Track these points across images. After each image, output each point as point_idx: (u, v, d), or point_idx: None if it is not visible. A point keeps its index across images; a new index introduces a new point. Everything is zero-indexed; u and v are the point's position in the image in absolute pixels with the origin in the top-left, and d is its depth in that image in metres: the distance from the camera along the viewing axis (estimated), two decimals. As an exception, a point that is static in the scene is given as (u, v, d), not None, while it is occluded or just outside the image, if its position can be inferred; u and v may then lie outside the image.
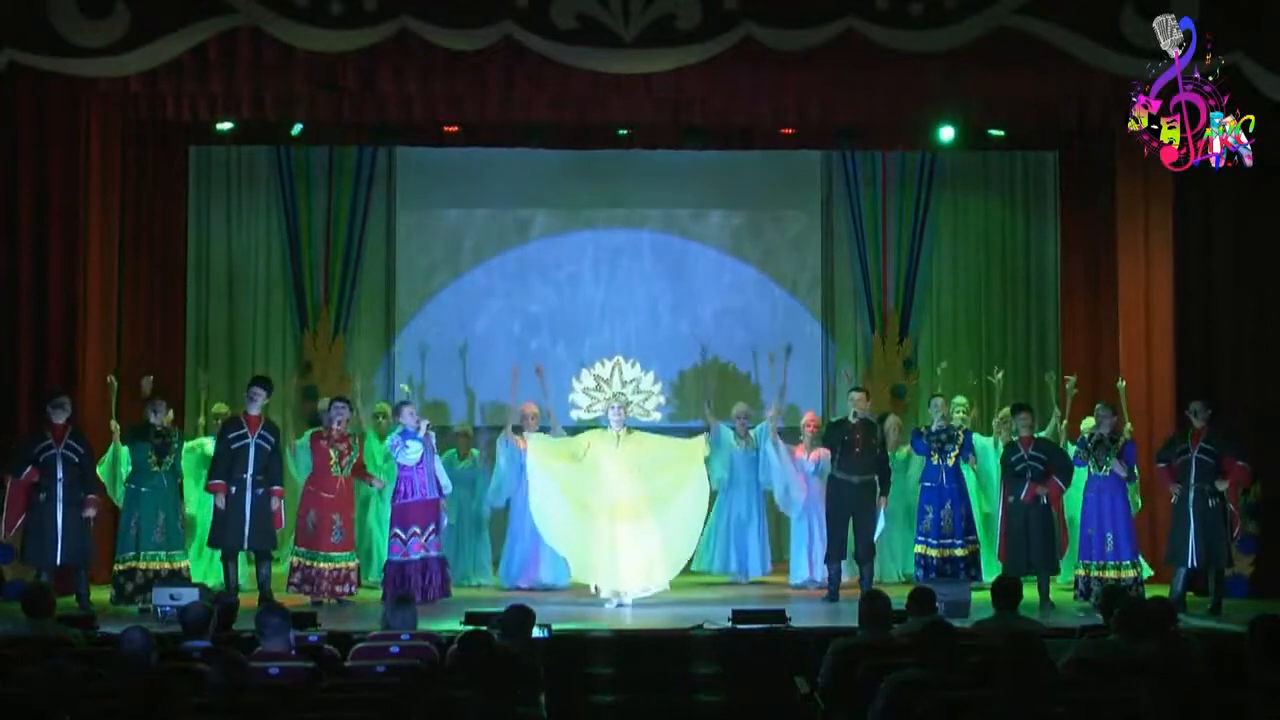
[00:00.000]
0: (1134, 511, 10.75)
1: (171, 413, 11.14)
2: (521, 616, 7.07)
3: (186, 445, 11.07)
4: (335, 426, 10.86)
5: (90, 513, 10.22)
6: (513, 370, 11.72)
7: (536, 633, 7.54)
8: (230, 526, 10.44)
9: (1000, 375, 11.89)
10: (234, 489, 10.44)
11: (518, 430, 11.54)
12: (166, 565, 10.40)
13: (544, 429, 11.47)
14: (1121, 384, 11.34)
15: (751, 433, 11.96)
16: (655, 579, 10.69)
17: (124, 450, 10.61)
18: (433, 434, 11.07)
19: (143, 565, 10.34)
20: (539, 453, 10.96)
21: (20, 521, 10.22)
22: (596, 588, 10.68)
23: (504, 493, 11.65)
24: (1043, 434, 11.21)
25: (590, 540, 10.69)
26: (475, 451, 12.12)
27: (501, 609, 7.29)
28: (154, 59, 10.50)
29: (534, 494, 10.87)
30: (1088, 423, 11.12)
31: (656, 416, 11.32)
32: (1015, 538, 10.69)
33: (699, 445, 11.10)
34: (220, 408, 11.77)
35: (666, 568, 10.76)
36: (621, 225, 13.85)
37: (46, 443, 10.19)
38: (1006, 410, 11.59)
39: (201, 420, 11.81)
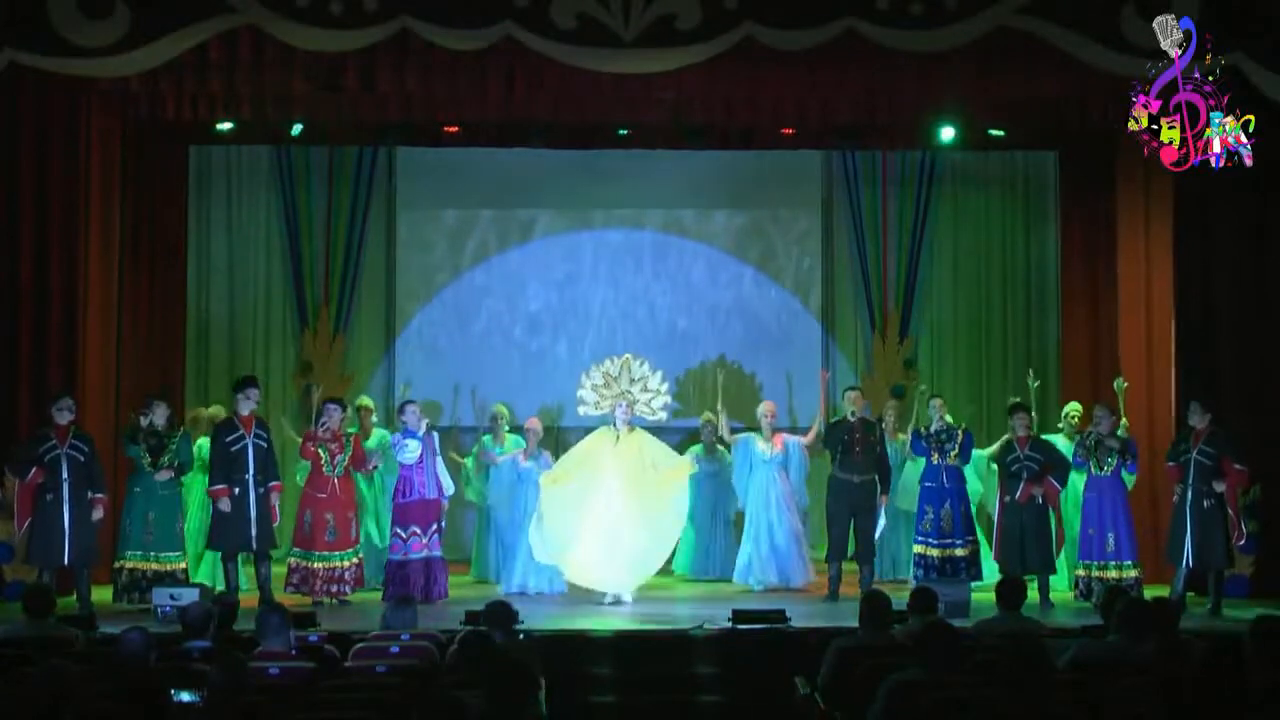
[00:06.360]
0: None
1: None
2: (503, 610, 7.23)
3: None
4: (331, 428, 10.86)
5: (99, 514, 10.17)
6: None
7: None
8: (235, 529, 10.37)
9: (1036, 384, 11.56)
10: (236, 491, 10.38)
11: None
12: (176, 565, 10.38)
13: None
14: (1122, 383, 11.32)
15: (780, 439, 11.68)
16: (626, 584, 10.71)
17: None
18: (435, 435, 11.09)
19: (153, 566, 10.29)
20: (551, 481, 10.93)
21: (28, 522, 10.17)
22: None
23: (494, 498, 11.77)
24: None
25: (585, 543, 10.68)
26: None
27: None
28: (154, 59, 10.50)
29: (545, 517, 10.79)
30: (1071, 405, 11.62)
31: (662, 416, 11.26)
32: (1010, 538, 10.69)
33: (686, 464, 11.19)
34: (216, 410, 11.63)
35: (636, 576, 10.75)
36: (622, 225, 13.85)
37: (51, 443, 10.13)
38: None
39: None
